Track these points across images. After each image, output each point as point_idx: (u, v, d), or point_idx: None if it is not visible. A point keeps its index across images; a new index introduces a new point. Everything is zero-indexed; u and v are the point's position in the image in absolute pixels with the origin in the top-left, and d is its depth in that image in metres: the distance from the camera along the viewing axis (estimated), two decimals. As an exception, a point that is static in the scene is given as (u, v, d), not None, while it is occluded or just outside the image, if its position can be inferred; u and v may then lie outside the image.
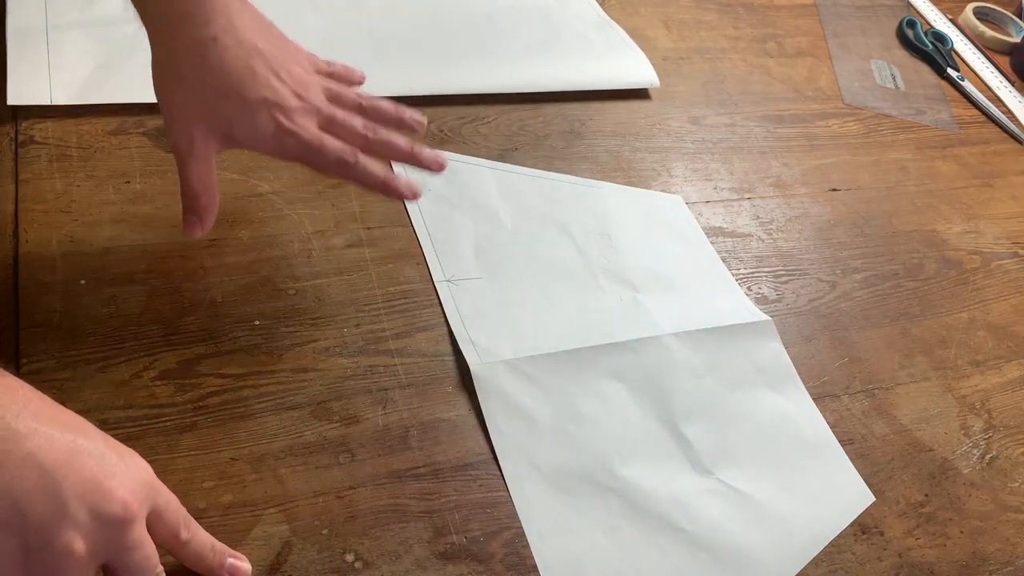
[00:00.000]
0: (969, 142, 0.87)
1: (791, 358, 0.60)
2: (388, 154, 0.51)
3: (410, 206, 0.61)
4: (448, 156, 0.66)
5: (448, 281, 0.57)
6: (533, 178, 0.67)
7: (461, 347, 0.54)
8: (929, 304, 0.68)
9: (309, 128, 0.48)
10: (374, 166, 0.49)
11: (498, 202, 0.61)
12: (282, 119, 0.47)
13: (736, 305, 0.62)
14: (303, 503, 0.46)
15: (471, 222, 0.61)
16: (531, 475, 0.50)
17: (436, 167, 0.51)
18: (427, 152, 0.50)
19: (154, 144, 0.61)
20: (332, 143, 0.48)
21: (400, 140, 0.51)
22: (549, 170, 0.68)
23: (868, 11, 1.02)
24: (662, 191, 0.70)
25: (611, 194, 0.68)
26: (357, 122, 0.50)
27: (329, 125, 0.49)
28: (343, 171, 0.49)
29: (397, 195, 0.50)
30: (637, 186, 0.70)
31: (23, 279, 0.51)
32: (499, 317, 0.56)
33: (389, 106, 0.51)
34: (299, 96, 0.48)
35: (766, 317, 0.62)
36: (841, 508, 0.53)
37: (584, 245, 0.63)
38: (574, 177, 0.68)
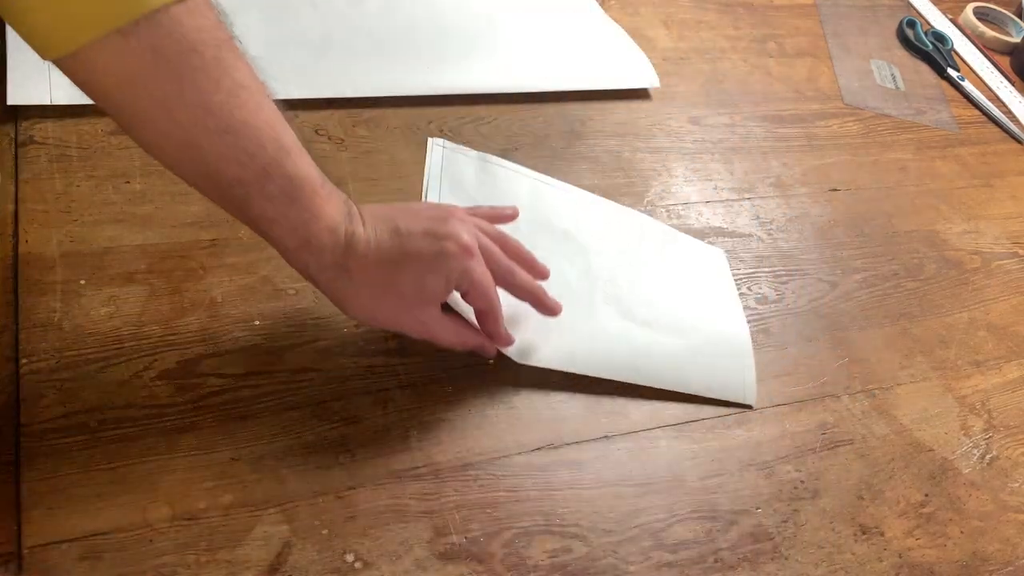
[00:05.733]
0: (969, 142, 0.87)
1: (791, 358, 0.60)
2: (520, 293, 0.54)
3: (431, 197, 0.61)
4: (489, 159, 0.65)
5: None
6: (570, 193, 0.66)
7: None
8: (929, 304, 0.68)
9: (476, 263, 0.50)
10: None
11: (522, 211, 0.60)
12: (452, 247, 0.48)
13: (729, 377, 0.58)
14: (303, 503, 0.46)
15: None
16: None
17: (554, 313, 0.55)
18: (550, 299, 0.54)
19: (154, 144, 0.61)
20: (489, 283, 0.51)
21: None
22: (549, 170, 0.68)
23: (868, 11, 1.02)
24: (663, 191, 0.70)
25: (650, 228, 0.66)
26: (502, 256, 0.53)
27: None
28: (532, 299, 0.54)
29: (550, 311, 0.54)
30: (637, 186, 0.70)
31: (23, 279, 0.51)
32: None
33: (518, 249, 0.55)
34: (455, 222, 0.50)
35: (752, 400, 0.57)
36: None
37: (596, 266, 0.61)
38: (621, 206, 0.67)
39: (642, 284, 0.62)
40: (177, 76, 0.39)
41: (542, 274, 0.55)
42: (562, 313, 0.55)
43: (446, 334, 0.51)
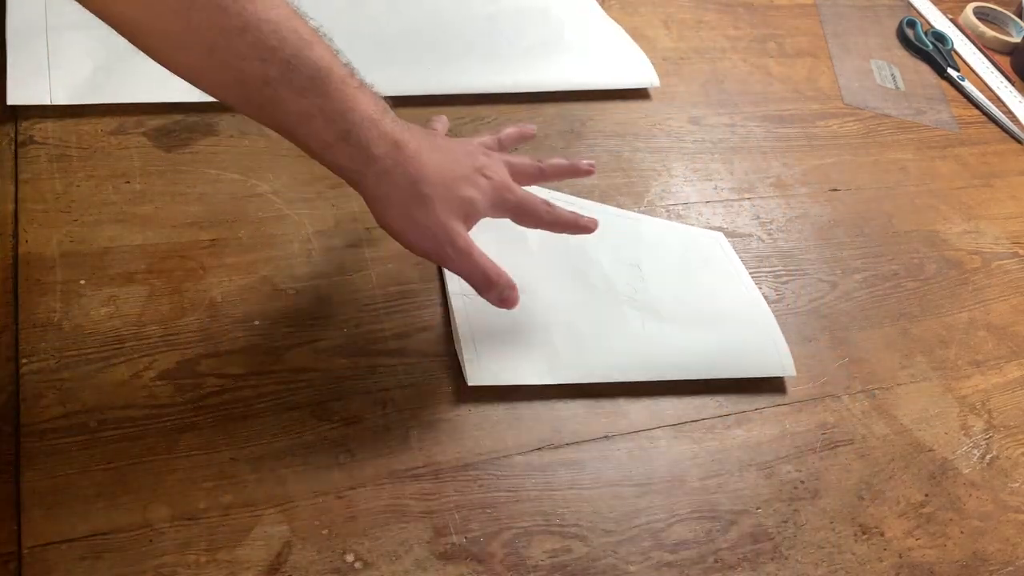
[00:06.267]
0: (969, 142, 0.87)
1: (791, 358, 0.60)
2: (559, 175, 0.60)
3: None
4: None
5: (464, 295, 0.56)
6: (571, 205, 0.65)
7: (464, 362, 0.53)
8: (929, 304, 0.68)
9: (513, 183, 0.53)
10: (564, 211, 0.56)
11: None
12: (494, 177, 0.52)
13: (765, 354, 0.59)
14: (303, 503, 0.46)
15: (497, 240, 0.57)
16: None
17: (588, 168, 0.59)
18: (583, 163, 0.59)
19: (154, 144, 0.61)
20: (534, 196, 0.54)
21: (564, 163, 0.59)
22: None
23: (868, 11, 1.02)
24: (663, 191, 0.70)
25: (648, 226, 0.66)
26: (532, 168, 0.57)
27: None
28: (546, 217, 0.54)
29: (585, 229, 0.56)
30: (637, 186, 0.70)
31: (23, 279, 0.51)
32: (510, 339, 0.55)
33: (563, 161, 0.59)
34: (488, 156, 0.54)
35: (791, 371, 0.59)
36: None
37: (613, 274, 0.61)
38: (613, 208, 0.67)
39: (662, 284, 0.62)
40: None
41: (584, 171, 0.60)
42: (593, 326, 0.57)
43: (484, 258, 0.50)
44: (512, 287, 0.51)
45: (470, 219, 0.51)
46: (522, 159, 0.57)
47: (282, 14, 0.43)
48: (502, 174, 0.53)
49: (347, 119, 0.45)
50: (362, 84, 0.47)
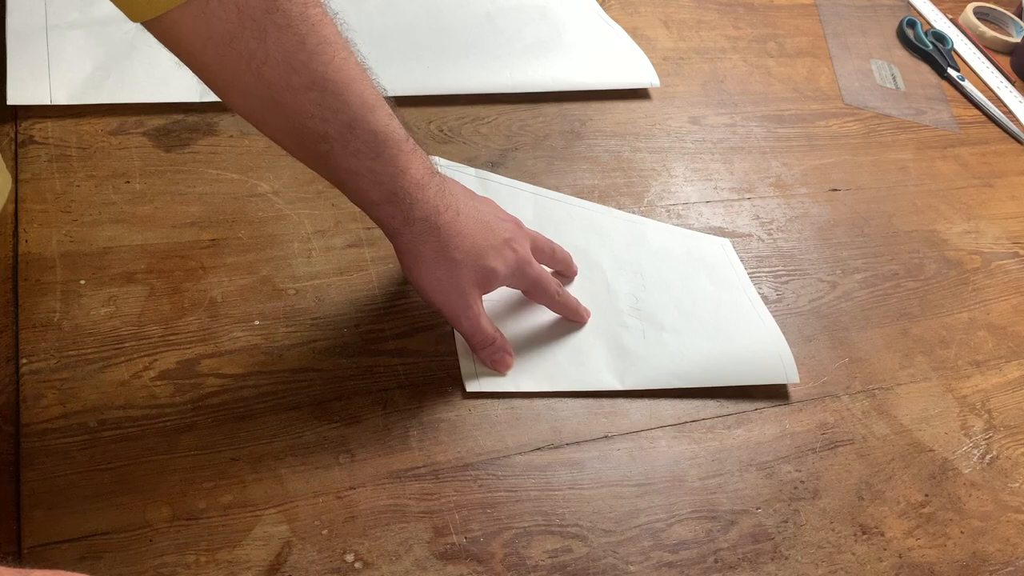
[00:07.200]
0: (969, 142, 0.87)
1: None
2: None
3: None
4: (488, 176, 0.66)
5: None
6: (573, 207, 0.66)
7: (463, 368, 0.53)
8: (929, 304, 0.68)
9: (533, 259, 0.55)
10: (571, 297, 0.58)
11: (532, 228, 0.60)
12: (519, 251, 0.53)
13: (769, 367, 0.59)
14: (303, 503, 0.46)
15: None
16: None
17: (583, 319, 0.58)
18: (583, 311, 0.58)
19: (154, 144, 0.61)
20: (549, 276, 0.56)
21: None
22: (549, 170, 0.68)
23: (868, 11, 1.02)
24: (663, 191, 0.70)
25: (653, 231, 0.66)
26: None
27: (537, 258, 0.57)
28: (556, 298, 0.56)
29: (581, 320, 0.58)
30: (637, 186, 0.70)
31: (23, 279, 0.51)
32: (510, 346, 0.55)
33: (565, 254, 0.60)
34: (518, 228, 0.55)
35: (795, 377, 0.58)
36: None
37: (614, 281, 0.61)
38: (618, 211, 0.67)
39: (663, 290, 0.62)
40: (262, 34, 0.40)
41: (575, 274, 0.61)
42: (594, 335, 0.57)
43: (488, 326, 0.52)
44: (507, 352, 0.53)
45: (488, 286, 0.53)
46: (542, 239, 0.58)
47: (350, 76, 0.44)
48: (526, 249, 0.54)
49: (395, 183, 0.47)
50: (415, 148, 0.48)
